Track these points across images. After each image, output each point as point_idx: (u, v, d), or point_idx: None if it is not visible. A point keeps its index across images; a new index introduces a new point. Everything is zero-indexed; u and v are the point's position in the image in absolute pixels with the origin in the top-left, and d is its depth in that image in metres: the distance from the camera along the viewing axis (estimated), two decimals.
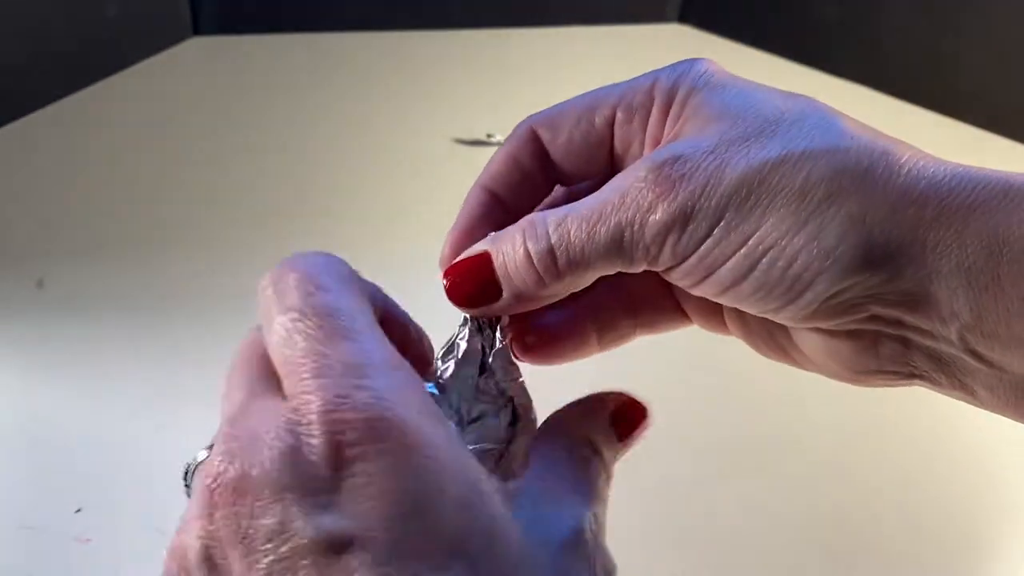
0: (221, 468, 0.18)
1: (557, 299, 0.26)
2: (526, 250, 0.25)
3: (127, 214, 0.66)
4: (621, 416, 0.25)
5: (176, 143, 0.78)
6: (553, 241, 0.24)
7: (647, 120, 0.26)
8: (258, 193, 0.70)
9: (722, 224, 0.23)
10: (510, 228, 0.26)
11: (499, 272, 0.26)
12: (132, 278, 0.59)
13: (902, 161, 0.22)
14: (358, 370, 0.19)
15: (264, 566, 0.17)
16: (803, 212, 0.22)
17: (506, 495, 0.20)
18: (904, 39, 0.94)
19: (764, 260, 0.22)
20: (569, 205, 0.25)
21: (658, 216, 0.23)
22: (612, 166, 0.28)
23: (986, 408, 0.23)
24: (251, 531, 0.17)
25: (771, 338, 0.27)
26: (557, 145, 0.28)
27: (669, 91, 0.26)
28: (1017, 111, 0.87)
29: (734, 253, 0.23)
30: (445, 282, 0.27)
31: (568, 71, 0.99)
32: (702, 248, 0.23)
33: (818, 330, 0.24)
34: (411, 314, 0.54)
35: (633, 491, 0.45)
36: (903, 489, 0.46)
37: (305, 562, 0.17)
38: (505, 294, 0.26)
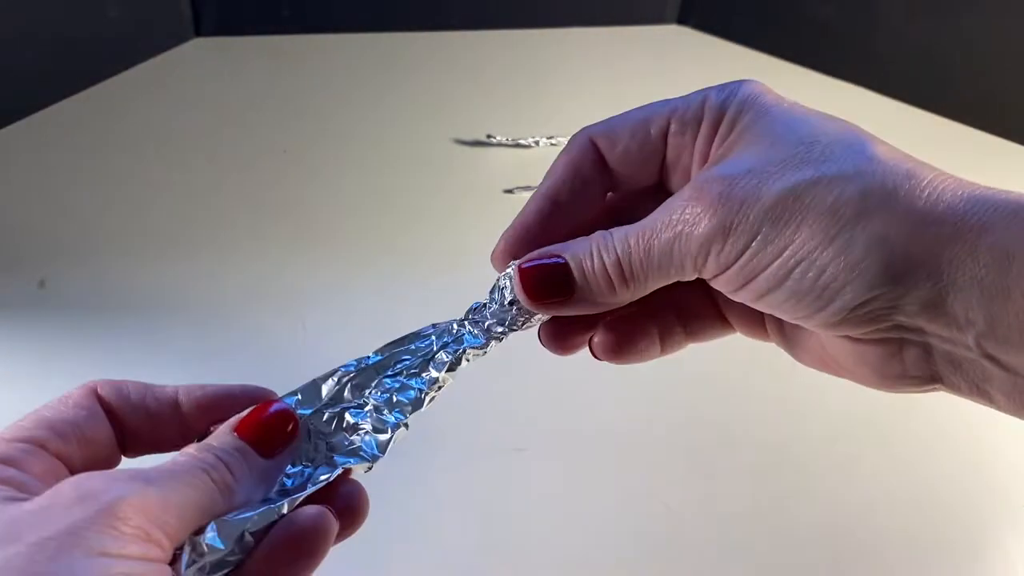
0: None
1: (621, 305, 0.29)
2: (602, 260, 0.28)
3: (128, 215, 0.67)
4: (248, 423, 0.27)
5: (178, 144, 0.78)
6: (619, 253, 0.28)
7: (697, 134, 0.29)
8: (259, 194, 0.70)
9: (759, 238, 0.25)
10: (583, 240, 0.29)
11: (577, 278, 0.29)
12: (133, 279, 0.59)
13: (923, 184, 0.24)
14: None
15: None
16: (833, 229, 0.24)
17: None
18: (902, 40, 0.94)
19: (796, 271, 0.25)
20: (635, 224, 0.28)
21: (701, 230, 0.26)
22: (663, 174, 0.31)
23: (1003, 411, 0.25)
24: None
25: (807, 345, 0.30)
26: (615, 154, 0.31)
27: (718, 110, 0.29)
28: (1017, 111, 0.87)
29: (770, 264, 0.25)
30: (516, 275, 0.30)
31: (568, 72, 0.99)
32: (742, 258, 0.26)
33: (848, 338, 0.27)
34: (409, 312, 0.54)
35: (632, 492, 0.45)
36: (904, 490, 0.46)
37: None
38: (576, 296, 0.29)
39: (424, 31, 1.05)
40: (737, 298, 0.27)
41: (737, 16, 1.10)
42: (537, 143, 0.79)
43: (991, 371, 0.24)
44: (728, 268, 0.26)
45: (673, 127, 0.30)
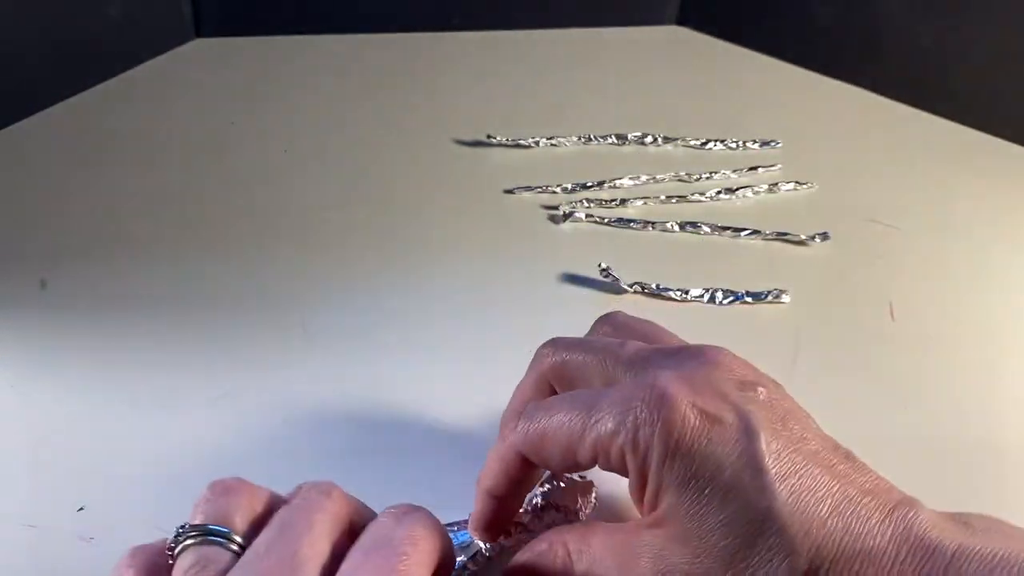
0: None
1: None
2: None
3: (130, 215, 0.67)
4: None
5: (178, 144, 0.78)
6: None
7: (625, 467, 0.30)
8: (259, 194, 0.71)
9: None
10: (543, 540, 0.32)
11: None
12: (135, 279, 0.59)
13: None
14: None
15: None
16: None
17: None
18: (903, 41, 0.94)
19: None
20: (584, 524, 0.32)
21: None
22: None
23: None
24: None
25: None
26: (545, 466, 0.33)
27: (641, 463, 0.29)
28: (1017, 112, 0.87)
29: None
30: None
31: (568, 72, 0.99)
32: None
33: None
34: (409, 312, 0.54)
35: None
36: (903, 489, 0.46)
37: None
38: None
39: (424, 31, 1.05)
40: None
41: (737, 17, 1.10)
42: (537, 143, 0.79)
43: None
44: None
45: (601, 459, 0.30)
